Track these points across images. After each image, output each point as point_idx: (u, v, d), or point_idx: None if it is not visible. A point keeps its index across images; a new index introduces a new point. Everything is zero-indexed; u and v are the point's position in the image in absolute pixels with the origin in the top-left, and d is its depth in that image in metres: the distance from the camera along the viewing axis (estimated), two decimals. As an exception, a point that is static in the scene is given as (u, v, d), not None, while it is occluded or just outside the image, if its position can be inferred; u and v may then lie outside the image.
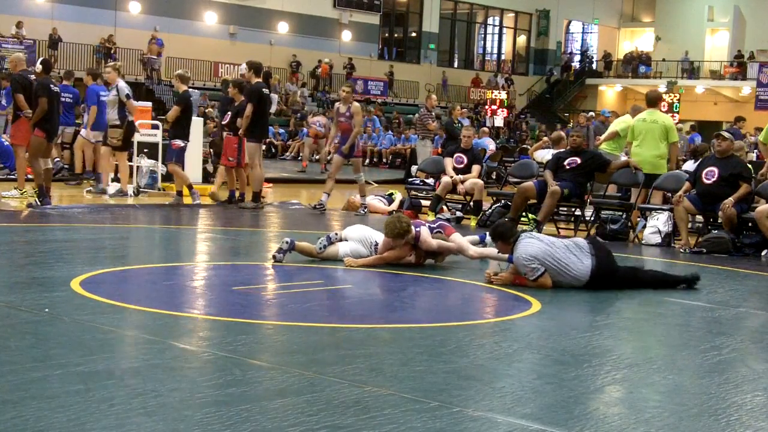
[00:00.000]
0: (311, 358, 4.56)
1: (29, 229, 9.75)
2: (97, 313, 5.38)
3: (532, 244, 7.05)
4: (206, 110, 24.52)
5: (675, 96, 28.45)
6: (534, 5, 44.44)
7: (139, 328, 5.20)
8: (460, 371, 4.48)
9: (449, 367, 4.54)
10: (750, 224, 10.23)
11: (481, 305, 6.86)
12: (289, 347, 4.89)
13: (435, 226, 8.11)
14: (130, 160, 13.85)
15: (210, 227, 10.82)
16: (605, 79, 45.41)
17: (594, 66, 46.48)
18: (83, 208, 11.54)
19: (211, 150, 16.40)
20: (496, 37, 45.95)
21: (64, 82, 15.21)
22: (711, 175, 10.36)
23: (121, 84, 13.19)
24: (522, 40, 45.91)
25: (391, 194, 13.75)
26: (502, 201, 12.25)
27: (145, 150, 14.20)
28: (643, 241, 10.80)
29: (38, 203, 11.17)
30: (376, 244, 7.84)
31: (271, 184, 15.87)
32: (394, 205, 13.11)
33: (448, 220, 11.08)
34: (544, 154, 14.49)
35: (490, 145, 22.81)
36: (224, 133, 13.42)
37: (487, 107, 31.40)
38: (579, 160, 11.14)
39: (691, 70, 42.79)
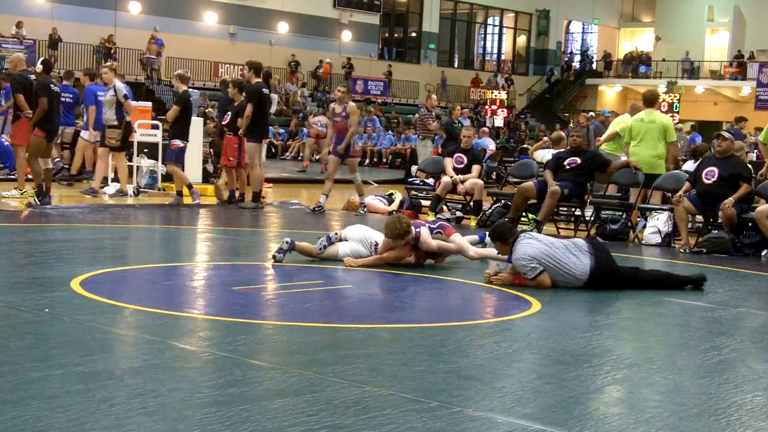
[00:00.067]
0: (311, 358, 4.56)
1: (29, 229, 9.76)
2: (97, 313, 5.39)
3: (531, 244, 7.05)
4: (206, 110, 24.50)
5: (675, 96, 28.43)
6: (534, 5, 44.43)
7: (139, 328, 5.20)
8: (460, 371, 4.48)
9: (449, 367, 4.54)
10: (750, 224, 10.23)
11: (481, 305, 6.86)
12: (289, 347, 4.89)
13: (435, 226, 8.12)
14: (129, 160, 13.87)
15: (210, 227, 10.83)
16: (605, 79, 45.39)
17: (594, 66, 46.45)
18: (83, 208, 11.54)
19: (211, 150, 16.41)
20: (496, 37, 45.93)
21: (64, 82, 15.21)
22: (711, 175, 10.37)
23: (119, 84, 13.19)
24: (522, 40, 45.90)
25: (391, 194, 13.75)
26: (502, 201, 12.25)
27: (145, 150, 14.22)
28: (643, 241, 10.80)
29: (37, 203, 11.17)
30: (376, 244, 7.84)
31: (271, 184, 15.87)
32: (394, 205, 13.11)
33: (448, 220, 11.08)
34: (544, 154, 14.50)
35: (490, 145, 22.82)
36: (225, 133, 13.43)
37: (487, 107, 31.41)
38: (579, 160, 11.14)
39: (691, 70, 42.78)
